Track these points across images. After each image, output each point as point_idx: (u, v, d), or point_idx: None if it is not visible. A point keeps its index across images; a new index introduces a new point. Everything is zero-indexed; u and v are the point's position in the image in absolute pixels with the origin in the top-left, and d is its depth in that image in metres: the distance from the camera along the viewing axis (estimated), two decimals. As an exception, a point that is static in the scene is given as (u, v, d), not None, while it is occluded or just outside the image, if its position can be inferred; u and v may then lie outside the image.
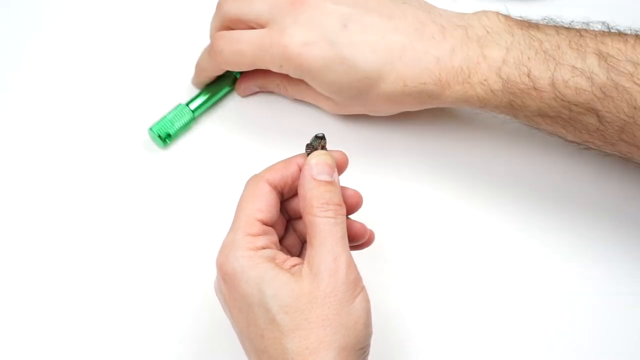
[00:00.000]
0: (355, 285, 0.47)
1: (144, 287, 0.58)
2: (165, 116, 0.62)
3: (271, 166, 0.51)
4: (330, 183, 0.49)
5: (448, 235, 0.60)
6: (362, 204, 0.52)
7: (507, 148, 0.63)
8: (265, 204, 0.49)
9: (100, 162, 0.63)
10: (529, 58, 0.54)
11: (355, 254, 0.48)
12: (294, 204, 0.52)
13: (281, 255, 0.49)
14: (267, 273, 0.46)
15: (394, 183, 0.62)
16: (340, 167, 0.52)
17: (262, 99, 0.65)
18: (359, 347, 0.46)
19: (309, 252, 0.48)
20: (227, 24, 0.60)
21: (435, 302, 0.58)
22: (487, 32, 0.56)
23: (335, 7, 0.57)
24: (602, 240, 0.60)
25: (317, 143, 0.51)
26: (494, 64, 0.55)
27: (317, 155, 0.50)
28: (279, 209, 0.51)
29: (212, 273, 0.50)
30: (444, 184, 0.62)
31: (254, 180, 0.50)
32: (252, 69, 0.61)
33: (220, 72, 0.64)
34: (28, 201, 0.61)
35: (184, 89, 0.65)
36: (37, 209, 0.61)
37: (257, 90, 0.65)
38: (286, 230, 0.53)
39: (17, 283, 0.59)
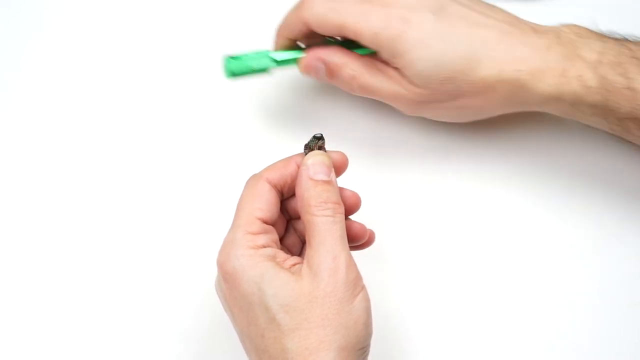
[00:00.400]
0: (355, 284, 0.47)
1: (144, 286, 0.58)
2: (246, 53, 0.59)
3: (271, 165, 0.51)
4: (328, 182, 0.49)
5: (448, 234, 0.60)
6: (360, 205, 0.52)
7: (504, 146, 0.63)
8: (265, 203, 0.49)
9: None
10: (622, 62, 0.54)
11: (355, 253, 0.49)
12: (294, 203, 0.52)
13: (281, 254, 0.49)
14: (267, 272, 0.46)
15: (394, 182, 0.62)
16: (340, 167, 0.52)
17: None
18: (359, 347, 0.46)
19: (308, 251, 0.48)
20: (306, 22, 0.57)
21: (435, 302, 0.58)
22: (579, 37, 0.56)
23: None
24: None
25: (315, 143, 0.51)
26: (589, 61, 0.55)
27: (314, 156, 0.50)
28: (279, 207, 0.51)
29: (213, 271, 0.50)
30: (445, 183, 0.62)
31: (253, 179, 0.50)
32: (327, 34, 0.57)
33: (297, 34, 0.58)
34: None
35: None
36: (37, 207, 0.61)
37: (323, 75, 0.58)
38: (286, 229, 0.53)
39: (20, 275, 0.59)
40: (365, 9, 0.55)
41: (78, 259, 0.59)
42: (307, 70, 0.58)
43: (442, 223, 0.61)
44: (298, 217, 0.52)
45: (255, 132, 0.64)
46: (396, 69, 0.56)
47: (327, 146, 0.51)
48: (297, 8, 0.57)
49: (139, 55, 0.67)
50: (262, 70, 0.59)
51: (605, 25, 0.57)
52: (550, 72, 0.55)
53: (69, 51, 0.67)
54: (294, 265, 0.48)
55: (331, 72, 0.58)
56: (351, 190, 0.52)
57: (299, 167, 0.50)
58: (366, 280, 0.48)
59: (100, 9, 0.69)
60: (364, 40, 0.55)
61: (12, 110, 0.65)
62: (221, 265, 0.48)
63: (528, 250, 0.59)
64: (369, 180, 0.60)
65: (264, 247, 0.48)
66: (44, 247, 0.60)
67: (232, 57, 0.58)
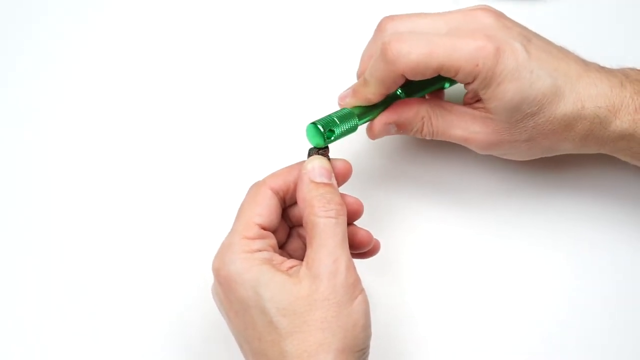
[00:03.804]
0: (355, 287, 0.47)
1: (144, 288, 0.59)
2: (330, 115, 0.54)
3: (274, 172, 0.51)
4: (330, 185, 0.50)
5: (449, 240, 0.60)
6: (362, 212, 0.53)
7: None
8: (265, 209, 0.49)
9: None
10: None
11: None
12: (296, 210, 0.52)
13: (277, 257, 0.49)
14: (263, 275, 0.47)
15: (398, 190, 0.62)
16: (344, 175, 0.52)
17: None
18: (357, 349, 0.47)
19: (308, 252, 0.48)
20: None
21: (435, 304, 0.58)
22: None
23: (513, 25, 0.55)
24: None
25: (315, 150, 0.51)
26: None
27: (313, 160, 0.50)
28: (280, 214, 0.51)
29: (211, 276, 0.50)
30: (446, 193, 0.62)
31: (256, 185, 0.51)
32: (423, 78, 0.53)
33: (390, 85, 0.54)
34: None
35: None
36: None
37: (394, 131, 0.56)
38: (289, 236, 0.53)
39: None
40: (456, 43, 0.52)
41: (78, 259, 0.60)
42: (379, 134, 0.56)
43: (442, 227, 0.60)
44: (300, 224, 0.52)
45: (258, 137, 0.64)
46: (474, 104, 0.55)
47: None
48: (384, 60, 0.52)
49: (139, 55, 0.68)
50: (351, 131, 0.55)
51: (604, 24, 0.57)
52: (625, 109, 0.54)
53: (72, 51, 0.68)
54: (292, 267, 0.48)
55: (402, 127, 0.56)
56: (354, 197, 0.52)
57: None
58: (365, 282, 0.48)
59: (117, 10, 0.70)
60: (460, 75, 0.52)
61: (29, 112, 0.66)
62: (217, 270, 0.48)
63: (526, 258, 0.60)
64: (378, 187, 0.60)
65: (260, 251, 0.48)
66: (46, 248, 0.60)
67: (323, 125, 0.53)
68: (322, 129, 0.52)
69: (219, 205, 0.61)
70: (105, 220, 0.61)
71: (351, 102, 0.55)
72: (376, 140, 0.59)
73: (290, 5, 0.69)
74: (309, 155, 0.51)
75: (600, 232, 0.60)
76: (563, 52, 0.56)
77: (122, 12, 0.69)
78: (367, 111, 0.55)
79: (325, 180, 0.50)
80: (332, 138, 0.53)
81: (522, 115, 0.53)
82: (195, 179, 0.62)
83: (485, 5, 0.55)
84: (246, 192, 0.51)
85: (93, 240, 0.60)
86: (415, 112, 0.55)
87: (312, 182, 0.49)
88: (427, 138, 0.56)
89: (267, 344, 0.46)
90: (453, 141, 0.56)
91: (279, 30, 0.68)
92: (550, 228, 0.60)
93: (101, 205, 0.62)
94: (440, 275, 0.59)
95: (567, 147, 0.56)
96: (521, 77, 0.52)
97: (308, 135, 0.53)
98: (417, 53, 0.51)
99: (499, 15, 0.54)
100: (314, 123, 0.53)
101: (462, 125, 0.55)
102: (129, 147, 0.64)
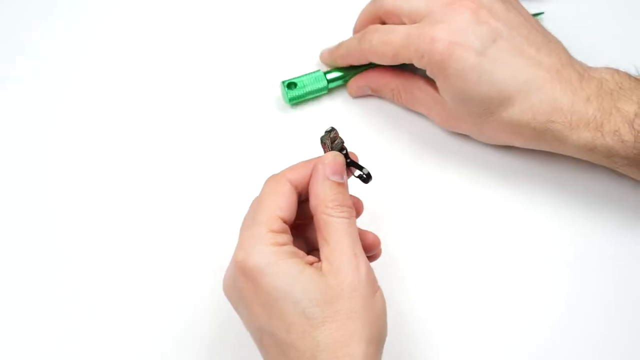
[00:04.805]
0: (374, 282, 0.48)
1: (144, 289, 0.59)
2: (300, 76, 0.64)
3: (292, 166, 0.52)
4: (342, 185, 0.50)
5: (453, 237, 0.61)
6: (362, 211, 0.54)
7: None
8: (286, 202, 0.49)
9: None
10: None
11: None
12: (306, 206, 0.52)
13: (300, 252, 0.49)
14: (293, 267, 0.47)
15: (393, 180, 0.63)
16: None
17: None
18: (380, 340, 0.48)
19: (324, 250, 0.48)
20: (380, 15, 0.62)
21: (435, 306, 0.58)
22: (620, 87, 0.56)
23: (490, 19, 0.57)
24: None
25: (327, 137, 0.52)
26: (627, 115, 0.55)
27: (331, 156, 0.51)
28: (296, 208, 0.51)
29: (212, 275, 0.51)
30: (445, 181, 0.63)
31: (274, 178, 0.51)
32: (387, 64, 0.61)
33: (359, 62, 0.64)
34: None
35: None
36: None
37: (369, 92, 0.65)
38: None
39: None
40: (413, 34, 0.58)
41: (77, 259, 0.60)
42: (356, 93, 0.66)
43: (448, 225, 0.61)
44: (305, 221, 0.53)
45: (258, 137, 0.65)
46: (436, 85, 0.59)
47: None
48: (358, 41, 0.62)
49: (139, 55, 0.68)
50: (320, 92, 0.64)
51: (602, 24, 0.59)
52: (585, 126, 0.55)
53: (71, 51, 0.68)
54: (313, 263, 0.49)
55: (375, 91, 0.65)
56: (355, 197, 0.53)
57: None
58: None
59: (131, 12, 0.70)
60: (415, 62, 0.59)
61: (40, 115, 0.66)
62: (242, 262, 0.48)
63: (534, 253, 0.60)
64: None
65: (285, 244, 0.48)
66: (48, 250, 0.60)
67: (290, 83, 0.64)
68: (285, 86, 0.63)
69: (225, 204, 0.61)
70: (109, 222, 0.61)
71: (324, 58, 0.66)
72: (380, 136, 0.64)
73: (290, 5, 0.70)
74: (322, 142, 0.52)
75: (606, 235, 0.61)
76: (541, 53, 0.57)
77: (122, 12, 0.70)
78: (344, 74, 0.65)
79: (339, 180, 0.50)
80: (298, 95, 0.63)
81: (471, 110, 0.58)
82: (202, 177, 0.63)
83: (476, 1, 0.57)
84: (249, 189, 0.52)
85: (94, 241, 0.60)
86: (385, 83, 0.64)
87: (327, 179, 0.50)
88: (401, 105, 0.64)
89: (296, 335, 0.46)
90: (420, 112, 0.63)
91: (279, 30, 0.69)
92: (556, 218, 0.61)
93: (105, 205, 0.62)
94: (440, 275, 0.59)
95: (523, 145, 0.59)
96: (467, 78, 0.56)
97: (282, 94, 0.64)
98: (379, 40, 0.60)
99: (479, 7, 0.57)
100: (283, 82, 0.63)
101: (425, 104, 0.62)
102: (130, 148, 0.64)
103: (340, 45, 0.64)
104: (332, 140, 0.52)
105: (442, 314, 0.58)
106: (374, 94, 0.65)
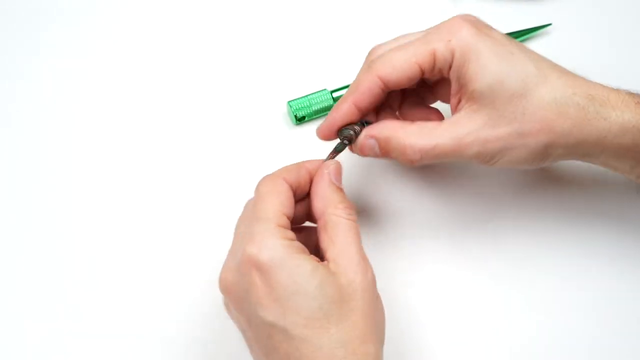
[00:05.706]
0: (376, 286, 0.49)
1: (144, 289, 0.59)
2: (307, 96, 0.65)
3: (285, 167, 0.52)
4: (343, 190, 0.51)
5: (454, 237, 0.61)
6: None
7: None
8: (286, 199, 0.49)
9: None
10: None
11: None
12: (297, 208, 0.52)
13: (307, 250, 0.49)
14: (307, 263, 0.47)
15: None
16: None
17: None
18: (383, 342, 0.48)
19: (331, 250, 0.48)
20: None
21: (435, 308, 0.59)
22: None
23: (490, 31, 0.54)
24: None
25: (342, 147, 0.54)
26: None
27: (334, 163, 0.52)
28: (294, 207, 0.51)
29: (210, 274, 0.51)
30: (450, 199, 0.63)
31: (271, 178, 0.51)
32: (399, 78, 0.53)
33: (379, 99, 0.55)
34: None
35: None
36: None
37: (377, 148, 0.55)
38: None
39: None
40: (428, 35, 0.53)
41: (75, 258, 0.60)
42: (362, 150, 0.55)
43: (445, 224, 0.61)
44: (299, 224, 0.53)
45: (259, 136, 0.65)
46: (458, 105, 0.54)
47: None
48: (367, 64, 0.55)
49: (139, 56, 0.69)
50: (326, 111, 0.64)
51: (602, 24, 0.59)
52: (623, 104, 0.52)
53: (81, 53, 0.69)
54: (320, 262, 0.48)
55: (385, 144, 0.54)
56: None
57: (309, 173, 0.52)
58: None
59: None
60: (439, 58, 0.52)
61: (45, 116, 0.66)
62: (255, 255, 0.46)
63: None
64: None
65: (294, 240, 0.48)
66: (49, 250, 0.60)
67: (296, 102, 0.64)
68: (295, 112, 0.64)
69: (227, 215, 0.59)
70: (109, 222, 0.61)
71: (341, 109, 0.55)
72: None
73: (291, 6, 0.71)
74: (337, 150, 0.54)
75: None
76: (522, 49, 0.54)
77: (121, 12, 0.71)
78: None
79: (340, 185, 0.51)
80: (304, 116, 0.64)
81: (509, 95, 0.51)
82: (205, 188, 0.63)
83: (464, 14, 0.54)
84: (245, 189, 0.52)
85: (95, 241, 0.61)
86: (397, 128, 0.54)
87: (333, 184, 0.51)
88: (420, 163, 0.54)
89: (312, 331, 0.46)
90: (441, 158, 0.53)
91: (279, 31, 0.70)
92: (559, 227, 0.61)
93: (104, 205, 0.62)
94: (440, 274, 0.59)
95: (558, 145, 0.53)
96: (500, 53, 0.52)
97: (288, 113, 0.65)
98: (397, 57, 0.53)
99: (476, 22, 0.54)
100: (289, 103, 0.65)
101: (449, 132, 0.52)
102: (136, 156, 0.64)
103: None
104: (349, 140, 0.54)
105: (442, 313, 0.58)
106: (382, 153, 0.55)
